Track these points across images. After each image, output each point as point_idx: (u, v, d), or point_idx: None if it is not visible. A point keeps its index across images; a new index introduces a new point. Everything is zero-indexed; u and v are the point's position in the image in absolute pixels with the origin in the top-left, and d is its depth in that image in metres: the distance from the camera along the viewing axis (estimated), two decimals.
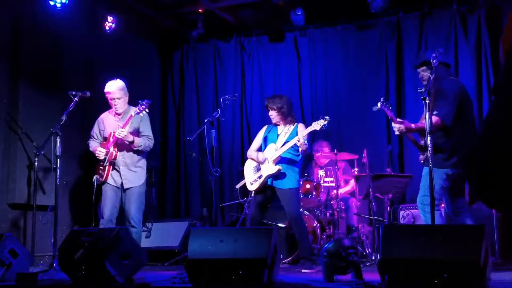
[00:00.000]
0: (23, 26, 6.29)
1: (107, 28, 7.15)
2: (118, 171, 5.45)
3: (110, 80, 5.57)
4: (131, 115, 5.37)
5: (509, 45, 1.41)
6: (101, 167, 5.47)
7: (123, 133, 5.31)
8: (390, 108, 4.49)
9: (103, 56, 7.14)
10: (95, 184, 5.44)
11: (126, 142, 5.40)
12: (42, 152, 5.67)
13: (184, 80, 8.65)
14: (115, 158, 5.43)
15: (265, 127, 5.58)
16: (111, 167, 5.45)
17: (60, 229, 5.32)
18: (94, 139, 5.67)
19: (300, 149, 5.11)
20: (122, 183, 5.45)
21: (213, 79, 8.48)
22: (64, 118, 5.33)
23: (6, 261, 4.46)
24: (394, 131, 4.61)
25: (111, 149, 5.42)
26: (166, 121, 8.68)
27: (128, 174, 5.46)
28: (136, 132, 5.51)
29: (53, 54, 6.60)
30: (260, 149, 5.48)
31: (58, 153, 5.29)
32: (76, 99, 5.42)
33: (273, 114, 5.34)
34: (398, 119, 4.51)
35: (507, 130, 1.31)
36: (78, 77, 6.65)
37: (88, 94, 5.55)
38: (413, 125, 4.50)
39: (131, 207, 5.41)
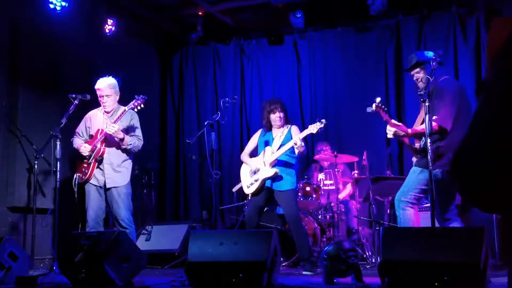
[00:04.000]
0: (23, 28, 6.29)
1: (107, 31, 7.15)
2: (102, 170, 5.15)
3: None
4: (125, 110, 5.16)
5: (494, 50, 1.43)
6: (84, 165, 5.17)
7: (114, 128, 5.03)
8: (386, 109, 4.16)
9: (102, 59, 7.13)
10: (77, 183, 5.14)
11: (116, 139, 5.11)
12: (42, 155, 5.67)
13: (184, 83, 8.66)
14: (102, 155, 5.13)
15: (259, 131, 5.56)
16: (96, 163, 5.15)
17: (60, 232, 5.29)
18: (79, 137, 5.35)
19: (296, 151, 5.10)
20: (105, 182, 5.15)
21: (212, 82, 8.48)
22: (64, 121, 5.31)
23: (6, 264, 4.46)
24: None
25: (98, 145, 5.13)
26: (165, 123, 8.68)
27: (112, 174, 5.16)
28: (125, 131, 5.23)
29: (53, 57, 6.60)
30: (255, 153, 5.48)
31: (58, 156, 5.26)
32: (76, 102, 5.38)
33: (281, 116, 5.33)
34: (393, 122, 4.19)
35: (494, 131, 1.31)
36: (78, 79, 6.64)
37: (88, 97, 5.48)
38: (409, 130, 4.25)
39: (119, 208, 5.11)
